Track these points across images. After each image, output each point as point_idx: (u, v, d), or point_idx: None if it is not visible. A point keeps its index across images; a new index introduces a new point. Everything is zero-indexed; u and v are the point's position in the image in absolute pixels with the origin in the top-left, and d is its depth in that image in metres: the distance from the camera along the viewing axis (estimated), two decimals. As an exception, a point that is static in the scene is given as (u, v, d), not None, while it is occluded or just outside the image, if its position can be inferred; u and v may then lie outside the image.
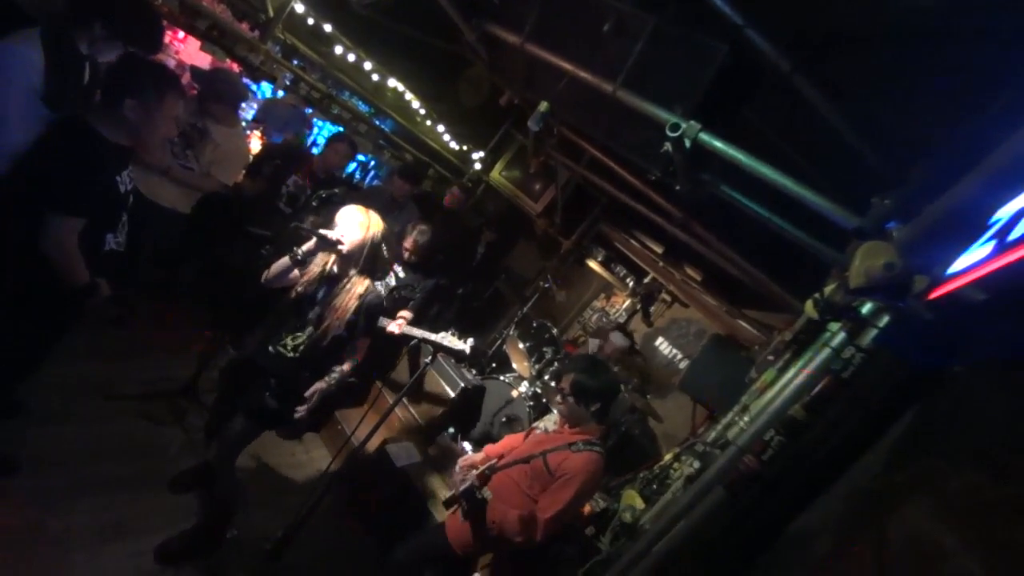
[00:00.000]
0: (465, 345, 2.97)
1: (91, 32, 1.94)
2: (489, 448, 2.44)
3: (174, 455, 2.69)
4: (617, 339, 4.76)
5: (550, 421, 2.34)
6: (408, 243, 3.69)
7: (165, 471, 2.56)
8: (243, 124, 3.87)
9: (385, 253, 2.43)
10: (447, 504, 2.18)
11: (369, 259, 2.25)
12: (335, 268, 2.25)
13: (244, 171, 3.84)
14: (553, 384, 3.88)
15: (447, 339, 2.98)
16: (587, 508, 3.25)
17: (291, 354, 2.19)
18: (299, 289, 2.22)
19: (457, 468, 2.24)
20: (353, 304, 2.20)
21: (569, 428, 2.19)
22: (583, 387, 2.14)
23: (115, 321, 3.21)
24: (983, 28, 1.65)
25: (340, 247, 2.15)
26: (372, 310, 2.28)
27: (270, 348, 2.21)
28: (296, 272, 2.22)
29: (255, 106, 5.29)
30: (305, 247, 2.16)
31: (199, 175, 3.08)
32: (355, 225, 2.19)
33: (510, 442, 2.41)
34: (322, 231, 2.15)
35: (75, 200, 1.76)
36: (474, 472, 2.14)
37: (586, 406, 2.14)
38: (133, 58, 1.94)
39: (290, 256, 2.16)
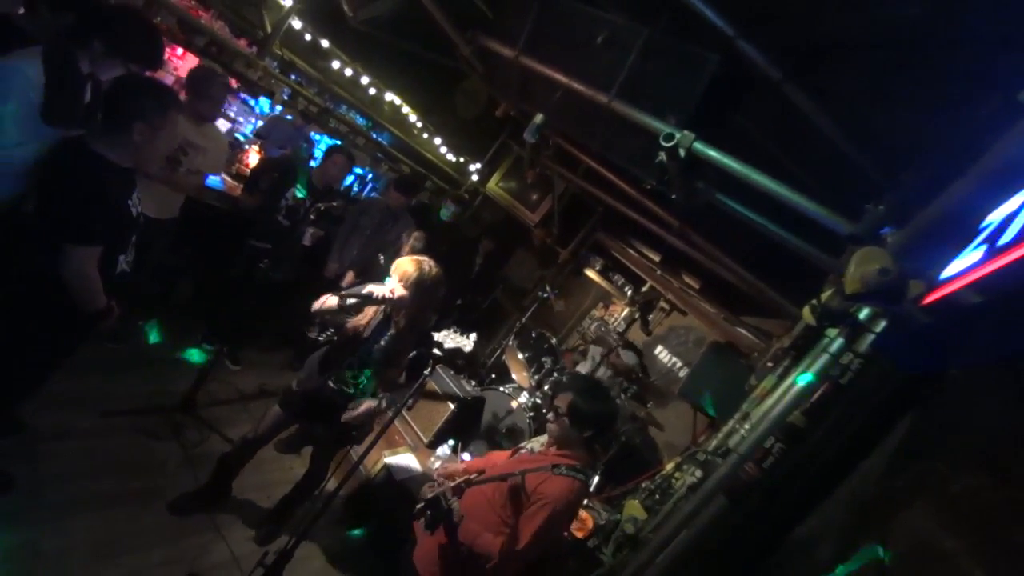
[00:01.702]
0: (468, 341, 2.98)
1: (91, 50, 1.96)
2: (469, 463, 2.32)
3: (172, 471, 2.67)
4: (628, 358, 4.77)
5: (538, 443, 2.21)
6: (405, 252, 3.71)
7: (163, 487, 2.54)
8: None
9: (439, 298, 2.49)
10: (414, 516, 2.00)
11: (423, 309, 2.37)
12: (391, 314, 2.37)
13: (243, 185, 3.86)
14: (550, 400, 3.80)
15: (449, 338, 2.98)
16: (590, 520, 3.23)
17: (351, 390, 2.39)
18: (361, 330, 2.35)
19: (434, 476, 2.13)
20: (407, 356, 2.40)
21: (556, 450, 2.02)
22: (580, 411, 1.96)
23: (111, 336, 3.20)
24: (970, 35, 1.68)
25: (391, 299, 2.25)
26: (422, 360, 2.40)
27: (331, 384, 2.39)
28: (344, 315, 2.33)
29: (261, 121, 5.34)
30: (352, 301, 2.24)
31: (184, 174, 3.06)
32: (405, 279, 2.26)
33: (493, 458, 2.28)
34: (370, 289, 2.24)
35: (94, 231, 1.78)
36: (448, 483, 1.99)
37: (579, 431, 1.96)
38: (137, 80, 1.95)
39: (339, 303, 2.24)
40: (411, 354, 2.43)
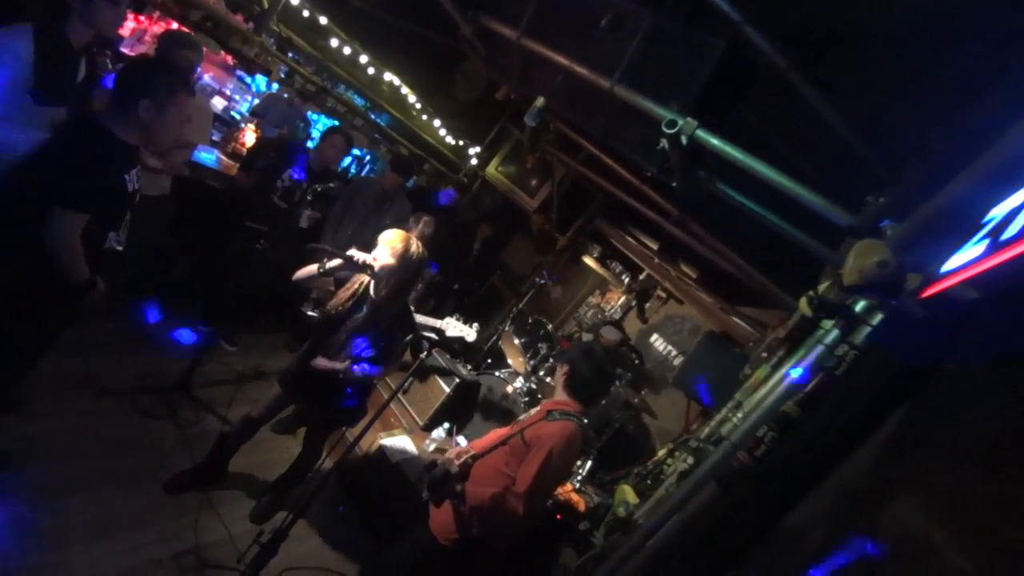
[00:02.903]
0: (472, 330, 2.98)
1: (74, 7, 1.91)
2: (476, 443, 2.36)
3: (167, 450, 2.68)
4: (608, 333, 4.78)
5: (534, 410, 2.31)
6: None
7: (158, 466, 2.55)
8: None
9: (421, 277, 2.48)
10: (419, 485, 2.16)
11: (403, 284, 2.32)
12: (371, 290, 2.33)
13: (239, 165, 3.81)
14: None
15: (452, 326, 2.97)
16: (582, 503, 3.27)
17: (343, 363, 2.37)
18: (339, 308, 2.33)
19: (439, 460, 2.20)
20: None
21: (547, 400, 2.19)
22: (567, 351, 2.24)
23: (107, 315, 3.18)
24: (977, 29, 1.66)
25: (371, 269, 2.22)
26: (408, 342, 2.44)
27: (321, 363, 2.38)
28: (324, 280, 2.31)
29: (256, 100, 5.25)
30: (332, 263, 2.23)
31: (176, 152, 3.00)
32: (390, 250, 2.23)
33: (495, 436, 2.33)
34: (351, 252, 2.21)
35: (81, 196, 1.76)
36: (451, 459, 2.08)
37: (560, 366, 2.21)
38: (148, 60, 1.95)
39: (318, 267, 2.24)
40: (407, 339, 2.42)
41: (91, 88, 2.20)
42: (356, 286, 2.36)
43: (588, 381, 2.17)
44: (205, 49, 4.33)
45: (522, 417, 2.30)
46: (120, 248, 2.06)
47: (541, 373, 4.30)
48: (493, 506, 1.90)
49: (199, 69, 4.58)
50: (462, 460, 2.08)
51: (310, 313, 4.04)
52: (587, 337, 5.19)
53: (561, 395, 2.16)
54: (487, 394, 3.95)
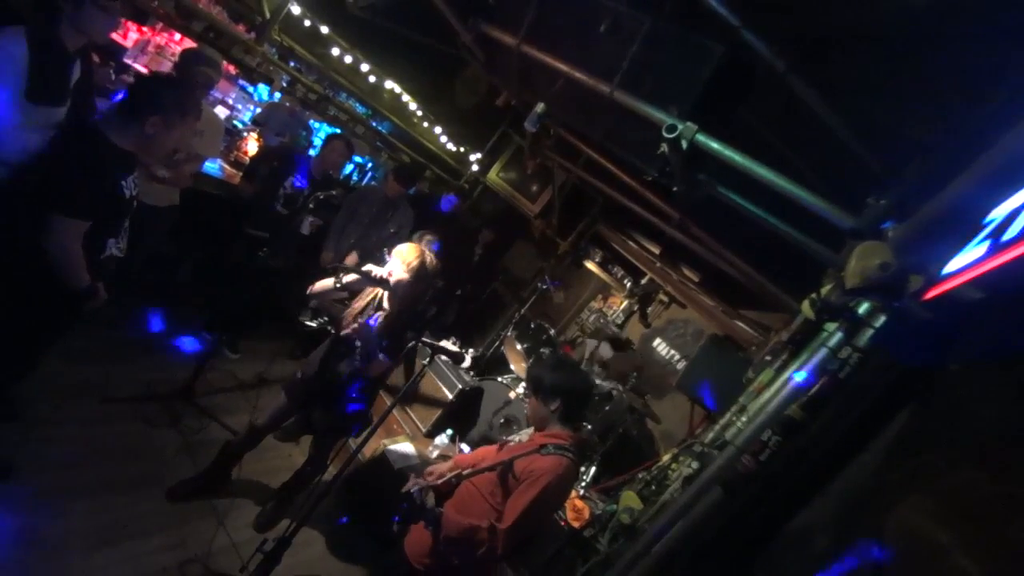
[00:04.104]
0: (467, 357, 3.03)
1: (68, 14, 1.92)
2: (459, 458, 2.32)
3: (171, 458, 2.68)
4: (604, 350, 4.77)
5: (526, 434, 2.22)
6: None
7: (162, 474, 2.55)
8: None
9: (432, 288, 2.53)
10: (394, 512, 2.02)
11: (416, 296, 2.37)
12: (384, 301, 2.38)
13: (241, 173, 3.84)
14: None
15: (447, 345, 3.00)
16: (586, 510, 3.26)
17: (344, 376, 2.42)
18: (350, 318, 2.38)
19: (423, 474, 2.11)
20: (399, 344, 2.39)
21: (538, 433, 2.03)
22: (539, 382, 2.01)
23: (110, 323, 3.19)
24: (977, 28, 1.67)
25: (387, 284, 2.26)
26: (411, 351, 2.43)
27: (329, 373, 2.43)
28: (341, 293, 2.35)
29: (259, 109, 5.29)
30: (348, 278, 2.27)
31: (182, 160, 3.00)
32: (404, 265, 2.27)
33: (483, 453, 2.28)
34: (368, 268, 2.26)
35: (80, 202, 1.77)
36: (431, 481, 2.00)
37: (544, 403, 2.00)
38: (165, 78, 1.98)
39: (334, 280, 2.28)
40: (409, 344, 2.43)
41: (88, 92, 2.22)
42: (370, 297, 2.41)
43: (581, 404, 2.05)
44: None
45: (512, 440, 2.23)
46: (120, 255, 2.07)
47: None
48: (472, 539, 1.81)
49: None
50: (445, 479, 2.00)
51: (308, 323, 4.05)
52: (591, 343, 5.17)
53: (555, 427, 2.00)
54: (490, 400, 3.94)
